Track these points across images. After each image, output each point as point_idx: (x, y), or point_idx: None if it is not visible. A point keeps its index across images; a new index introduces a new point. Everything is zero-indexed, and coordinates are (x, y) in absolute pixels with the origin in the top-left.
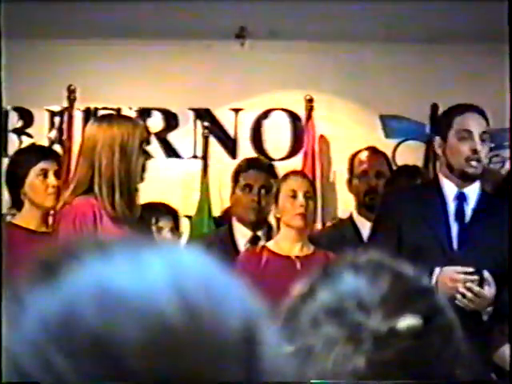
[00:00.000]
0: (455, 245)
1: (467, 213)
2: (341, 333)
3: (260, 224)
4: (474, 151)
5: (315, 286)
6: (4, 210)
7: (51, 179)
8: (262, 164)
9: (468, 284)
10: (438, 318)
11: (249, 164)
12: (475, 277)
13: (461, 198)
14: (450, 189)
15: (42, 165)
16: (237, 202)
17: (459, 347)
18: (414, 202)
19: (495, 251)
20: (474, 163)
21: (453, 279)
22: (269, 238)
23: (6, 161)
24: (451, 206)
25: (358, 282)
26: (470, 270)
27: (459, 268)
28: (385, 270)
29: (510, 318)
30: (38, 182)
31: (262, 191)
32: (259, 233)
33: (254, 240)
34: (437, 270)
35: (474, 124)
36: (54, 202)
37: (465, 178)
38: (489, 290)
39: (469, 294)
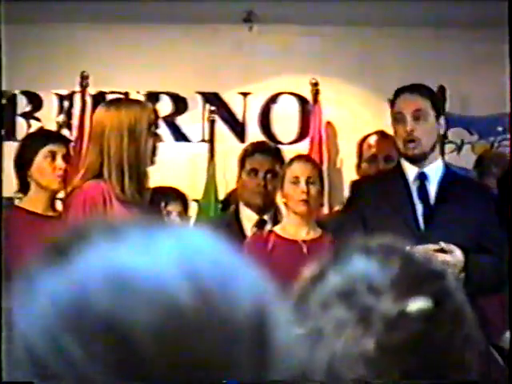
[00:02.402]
0: (421, 224)
1: (430, 192)
2: (351, 315)
3: (266, 208)
4: (407, 132)
5: (326, 269)
6: (11, 194)
7: (59, 162)
8: (268, 148)
9: None
10: (448, 301)
11: (254, 148)
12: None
13: (422, 178)
14: (411, 170)
15: (50, 147)
16: (243, 187)
17: (469, 331)
18: (378, 188)
19: (464, 225)
20: (410, 145)
21: None
22: (276, 221)
23: (14, 144)
24: (414, 187)
25: (368, 264)
26: (431, 246)
27: (420, 247)
28: (396, 253)
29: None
30: (46, 164)
31: (268, 175)
32: (266, 217)
33: (261, 224)
34: None
35: (406, 104)
36: (61, 185)
37: (410, 161)
38: (452, 257)
39: None
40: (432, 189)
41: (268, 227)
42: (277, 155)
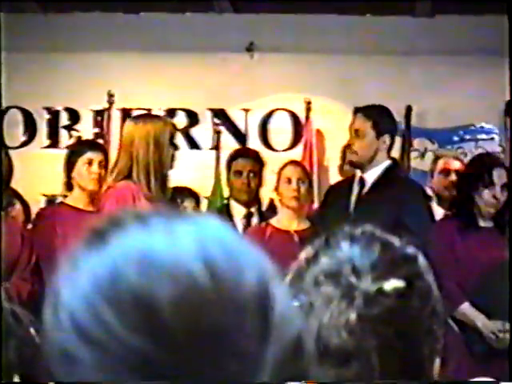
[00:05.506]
0: (352, 212)
1: (364, 191)
2: (337, 292)
3: (251, 202)
4: (349, 144)
5: (318, 253)
6: (55, 192)
7: (94, 168)
8: (249, 152)
9: None
10: (418, 281)
11: (237, 154)
12: None
13: (361, 180)
14: (357, 173)
15: (89, 155)
16: (231, 185)
17: (435, 305)
18: (336, 190)
19: (383, 213)
20: (348, 154)
21: None
22: (260, 214)
23: (58, 152)
24: (355, 187)
25: (352, 249)
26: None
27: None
28: (375, 240)
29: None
30: (84, 169)
31: (251, 175)
32: (252, 209)
33: (248, 216)
34: None
35: (352, 123)
36: (96, 186)
37: (352, 166)
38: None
39: None
40: (366, 188)
41: (254, 218)
42: (257, 158)
